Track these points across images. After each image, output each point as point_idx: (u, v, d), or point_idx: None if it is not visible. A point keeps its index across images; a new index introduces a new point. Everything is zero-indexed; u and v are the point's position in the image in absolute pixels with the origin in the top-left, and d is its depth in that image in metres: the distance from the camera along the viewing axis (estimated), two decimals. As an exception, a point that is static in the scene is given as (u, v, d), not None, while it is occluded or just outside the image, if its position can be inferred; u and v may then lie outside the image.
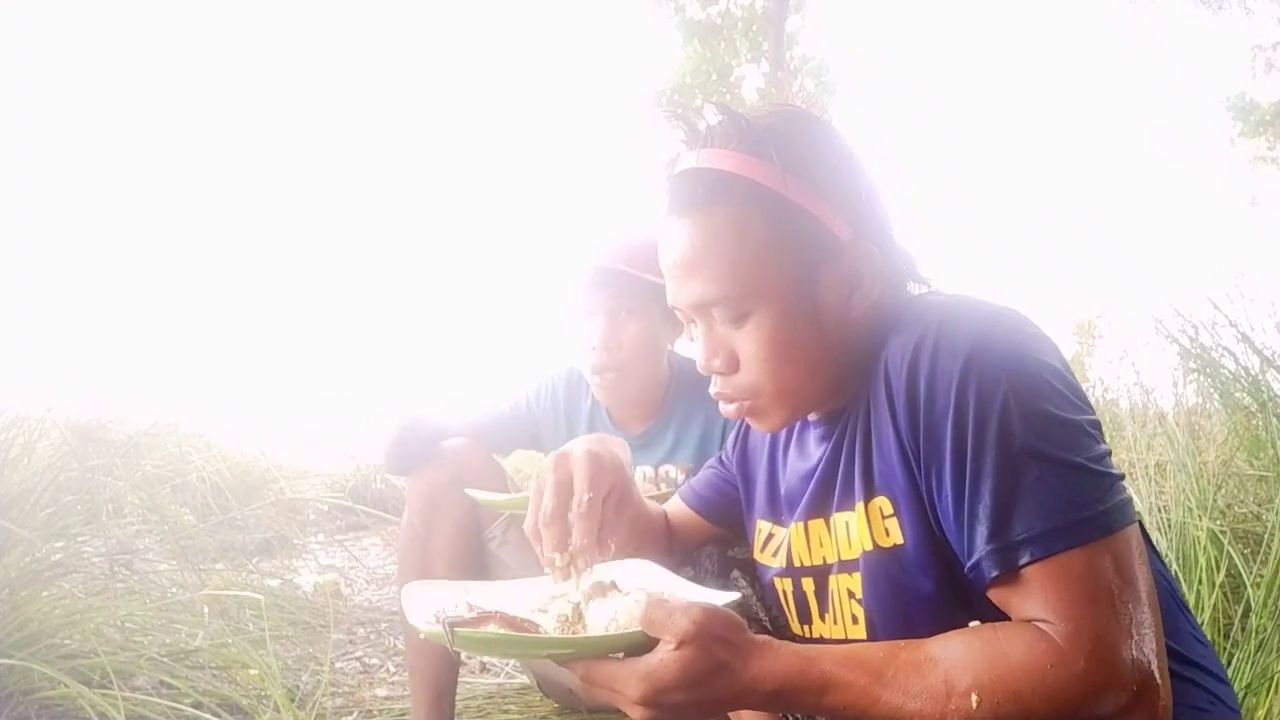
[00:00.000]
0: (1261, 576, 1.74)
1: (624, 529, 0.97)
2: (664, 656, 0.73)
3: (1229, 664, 1.58)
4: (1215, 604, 1.72)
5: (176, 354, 4.18)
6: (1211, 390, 2.69)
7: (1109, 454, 0.77)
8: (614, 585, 0.87)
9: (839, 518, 0.92)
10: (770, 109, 0.91)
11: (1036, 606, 0.72)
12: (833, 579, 0.93)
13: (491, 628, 0.78)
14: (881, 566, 0.86)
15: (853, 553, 0.90)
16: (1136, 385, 2.94)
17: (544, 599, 0.91)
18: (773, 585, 1.03)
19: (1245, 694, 1.52)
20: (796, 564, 0.98)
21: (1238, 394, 2.55)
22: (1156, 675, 0.69)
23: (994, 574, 0.74)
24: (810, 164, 0.87)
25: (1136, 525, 0.75)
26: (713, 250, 0.86)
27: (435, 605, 0.86)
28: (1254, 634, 1.61)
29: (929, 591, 0.82)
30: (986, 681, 0.70)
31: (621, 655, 0.76)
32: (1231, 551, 1.78)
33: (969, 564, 0.77)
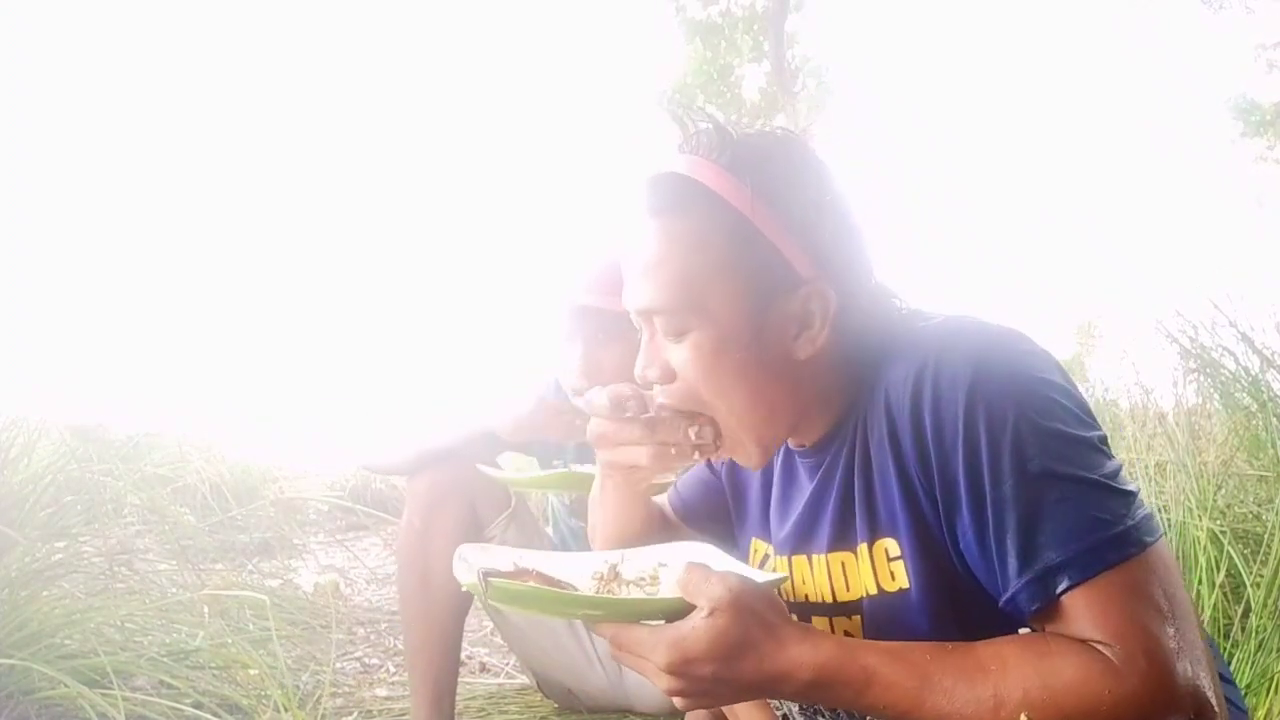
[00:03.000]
0: (1261, 576, 1.74)
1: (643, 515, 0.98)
2: (696, 623, 0.70)
3: (1229, 664, 1.58)
4: (1215, 604, 1.72)
5: (176, 355, 4.18)
6: (1211, 390, 2.69)
7: (1121, 468, 0.75)
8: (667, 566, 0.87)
9: (833, 557, 0.89)
10: (762, 130, 0.88)
11: (1085, 632, 0.69)
12: (816, 621, 0.91)
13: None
14: (885, 611, 0.83)
15: (851, 595, 0.87)
16: (1136, 385, 2.94)
17: (595, 570, 0.90)
18: None
19: (1245, 694, 1.52)
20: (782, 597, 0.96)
21: (1238, 394, 2.55)
22: (1211, 696, 0.67)
23: (1034, 607, 0.72)
24: (786, 194, 0.83)
25: (1164, 538, 0.73)
26: (667, 259, 0.84)
27: (484, 565, 0.86)
28: (1254, 634, 1.61)
29: (925, 633, 0.79)
30: (1038, 701, 0.67)
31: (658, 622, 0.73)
32: (1231, 551, 1.77)
33: (1004, 598, 0.74)
